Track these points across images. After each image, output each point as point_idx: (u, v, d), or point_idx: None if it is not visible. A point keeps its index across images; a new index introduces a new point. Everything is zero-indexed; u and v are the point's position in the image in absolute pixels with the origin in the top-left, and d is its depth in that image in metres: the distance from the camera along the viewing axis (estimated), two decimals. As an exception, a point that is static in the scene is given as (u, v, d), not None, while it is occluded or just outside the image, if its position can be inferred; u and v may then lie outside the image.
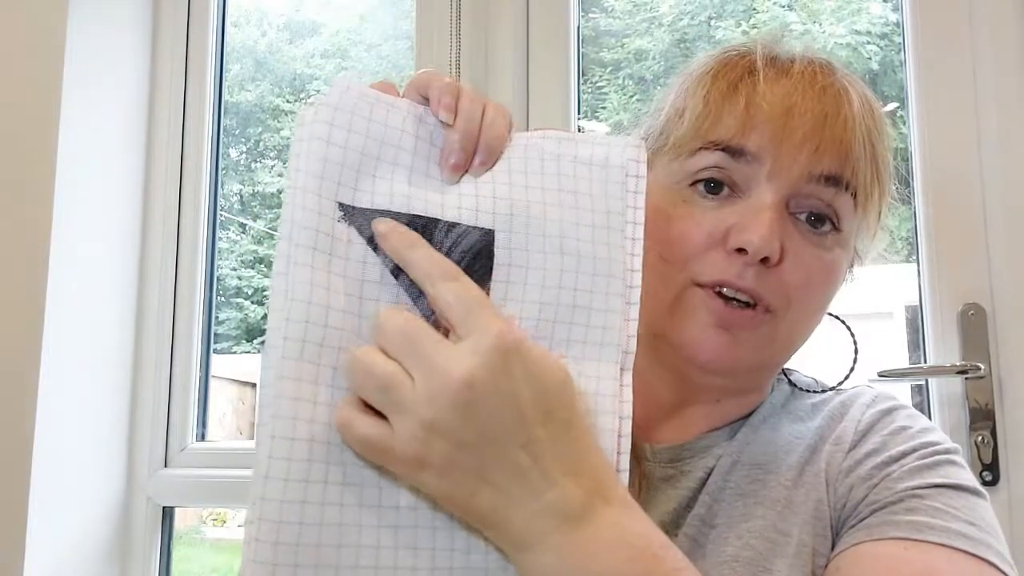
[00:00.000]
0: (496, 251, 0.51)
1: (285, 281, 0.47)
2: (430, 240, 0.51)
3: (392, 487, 0.48)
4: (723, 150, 0.64)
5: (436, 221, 0.51)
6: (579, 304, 0.51)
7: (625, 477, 0.50)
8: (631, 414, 0.52)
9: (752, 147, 0.63)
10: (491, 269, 0.51)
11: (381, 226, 0.50)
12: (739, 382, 0.68)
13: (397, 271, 0.50)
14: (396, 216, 0.50)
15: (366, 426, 0.45)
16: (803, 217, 0.64)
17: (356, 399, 0.47)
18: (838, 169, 0.63)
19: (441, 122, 0.53)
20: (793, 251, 0.63)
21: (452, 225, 0.51)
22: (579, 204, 0.53)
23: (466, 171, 0.53)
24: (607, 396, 0.51)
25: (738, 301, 0.62)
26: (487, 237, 0.51)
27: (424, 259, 0.49)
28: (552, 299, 0.51)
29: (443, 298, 0.47)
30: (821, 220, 0.64)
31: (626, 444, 0.51)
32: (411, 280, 0.50)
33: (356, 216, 0.50)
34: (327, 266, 0.48)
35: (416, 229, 0.50)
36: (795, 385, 0.73)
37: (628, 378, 0.52)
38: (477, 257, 0.51)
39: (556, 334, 0.51)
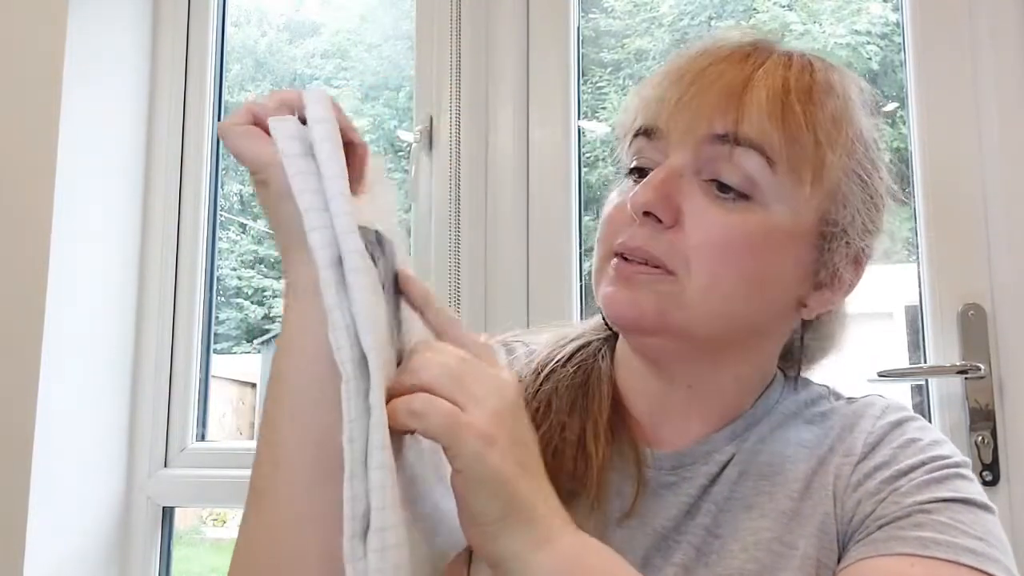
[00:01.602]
0: (397, 260, 0.55)
1: (342, 315, 0.48)
2: (384, 252, 0.54)
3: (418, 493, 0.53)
4: (641, 134, 0.67)
5: (380, 234, 0.53)
6: None
7: None
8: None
9: (661, 123, 0.65)
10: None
11: (407, 271, 0.56)
12: (673, 346, 0.65)
13: (384, 283, 0.52)
14: (365, 231, 0.51)
15: (448, 405, 0.50)
16: (714, 184, 0.63)
17: None
18: (724, 126, 0.62)
19: (351, 141, 0.55)
20: (693, 212, 0.62)
21: (382, 235, 0.54)
22: (391, 211, 0.58)
23: None
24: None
25: (637, 262, 0.63)
26: (393, 248, 0.55)
27: (440, 303, 0.57)
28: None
29: (469, 336, 0.56)
30: (729, 184, 0.63)
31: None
32: (392, 292, 0.54)
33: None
34: (372, 282, 0.50)
35: (379, 243, 0.53)
36: (808, 393, 0.71)
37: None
38: (393, 265, 0.55)
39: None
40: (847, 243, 0.66)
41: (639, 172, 0.66)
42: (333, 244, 0.48)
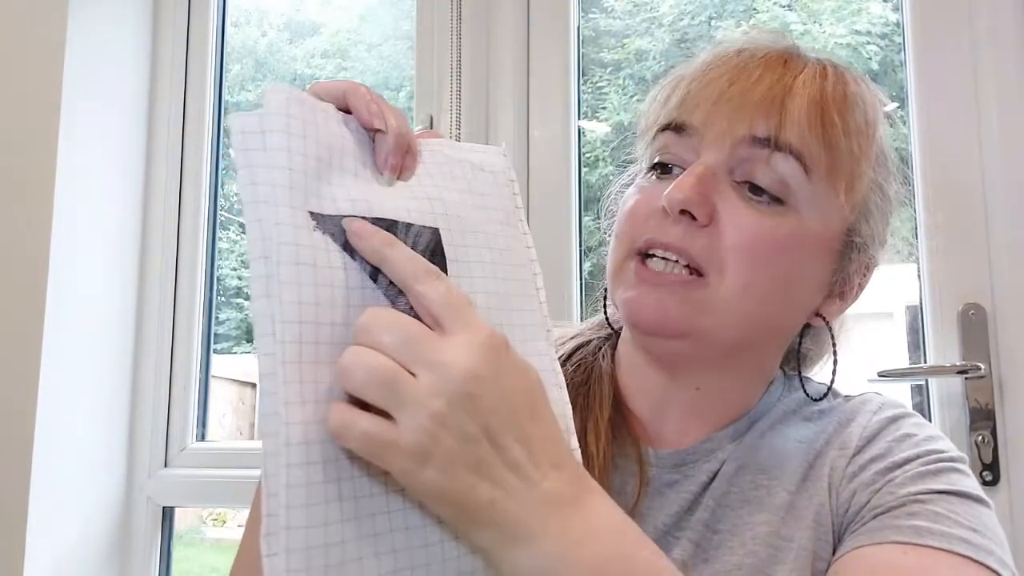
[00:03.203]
0: (445, 248, 0.53)
1: (268, 304, 0.46)
2: (409, 242, 0.52)
3: (382, 494, 0.49)
4: (670, 129, 0.66)
5: (395, 223, 0.52)
6: (512, 292, 0.56)
7: (574, 439, 0.53)
8: (564, 382, 0.57)
9: (695, 121, 0.65)
10: (445, 266, 0.52)
11: (355, 225, 0.49)
12: (693, 350, 0.65)
13: (375, 274, 0.50)
14: (356, 222, 0.50)
15: (368, 422, 0.44)
16: (747, 186, 0.63)
17: (348, 400, 0.46)
18: (765, 130, 0.62)
19: (375, 128, 0.54)
20: (729, 213, 0.62)
21: (408, 225, 0.52)
22: (487, 205, 0.57)
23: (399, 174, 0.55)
24: (548, 371, 0.55)
25: (667, 261, 0.63)
26: (436, 236, 0.53)
27: (403, 258, 0.48)
28: (494, 289, 0.55)
29: (428, 295, 0.47)
30: (763, 187, 0.63)
31: (569, 410, 0.55)
32: (388, 282, 0.50)
33: (327, 223, 0.50)
34: (313, 279, 0.48)
35: (402, 234, 0.51)
36: (807, 392, 0.72)
37: (553, 350, 0.58)
38: (433, 255, 0.52)
39: (503, 319, 0.54)
40: (867, 254, 0.68)
41: (661, 167, 0.67)
42: (269, 237, 0.47)
